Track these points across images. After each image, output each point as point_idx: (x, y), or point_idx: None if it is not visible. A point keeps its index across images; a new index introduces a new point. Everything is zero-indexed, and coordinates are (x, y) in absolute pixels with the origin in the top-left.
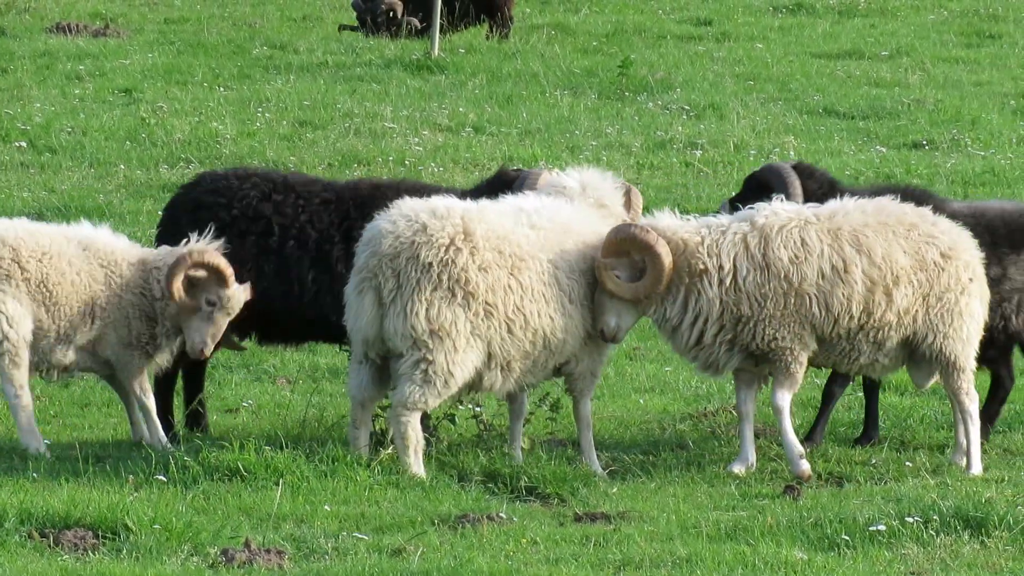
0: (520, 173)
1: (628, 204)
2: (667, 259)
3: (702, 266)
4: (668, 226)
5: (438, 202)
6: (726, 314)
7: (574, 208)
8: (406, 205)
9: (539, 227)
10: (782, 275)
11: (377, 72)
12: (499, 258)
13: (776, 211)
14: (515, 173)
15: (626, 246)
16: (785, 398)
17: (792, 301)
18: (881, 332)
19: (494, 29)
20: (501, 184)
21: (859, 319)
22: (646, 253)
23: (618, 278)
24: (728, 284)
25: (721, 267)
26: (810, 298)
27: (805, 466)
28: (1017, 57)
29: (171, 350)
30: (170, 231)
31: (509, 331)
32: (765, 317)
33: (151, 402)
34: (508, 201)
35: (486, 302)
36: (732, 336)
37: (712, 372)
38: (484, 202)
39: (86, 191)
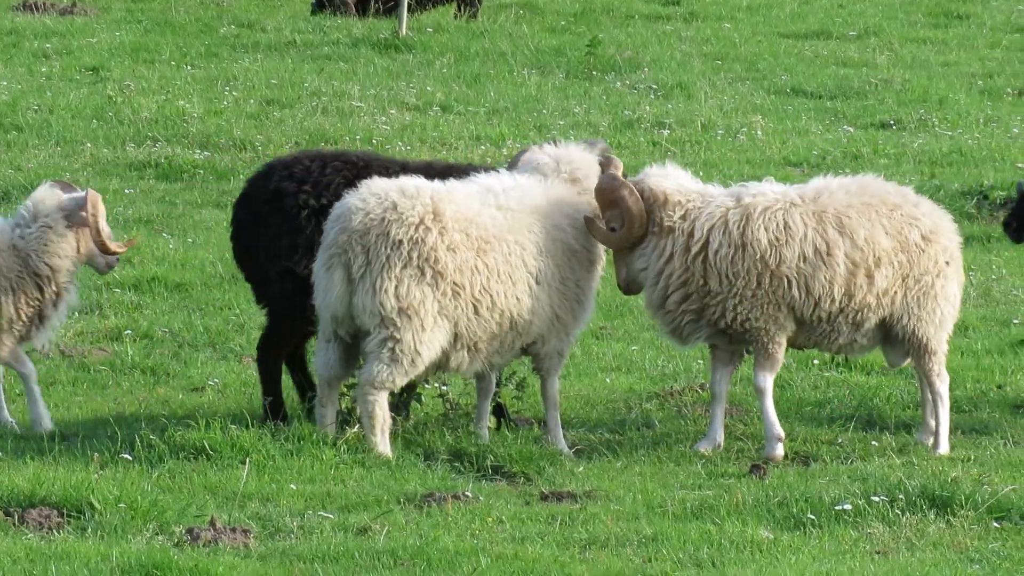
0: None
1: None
2: (633, 203)
3: (668, 224)
4: (655, 175)
5: (407, 181)
6: (691, 284)
7: (545, 187)
8: (375, 184)
9: (506, 208)
10: (758, 255)
11: (345, 51)
12: (466, 240)
13: (764, 191)
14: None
15: (601, 196)
16: (767, 379)
17: (767, 282)
18: (860, 314)
19: (462, 8)
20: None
21: (840, 302)
22: (612, 200)
23: (613, 230)
24: (695, 253)
25: (691, 234)
26: (789, 280)
27: (780, 450)
28: (984, 38)
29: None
30: (249, 226)
31: (476, 312)
32: (735, 295)
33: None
34: (478, 181)
35: (454, 282)
36: (698, 307)
37: (677, 339)
38: (452, 183)
39: (52, 169)
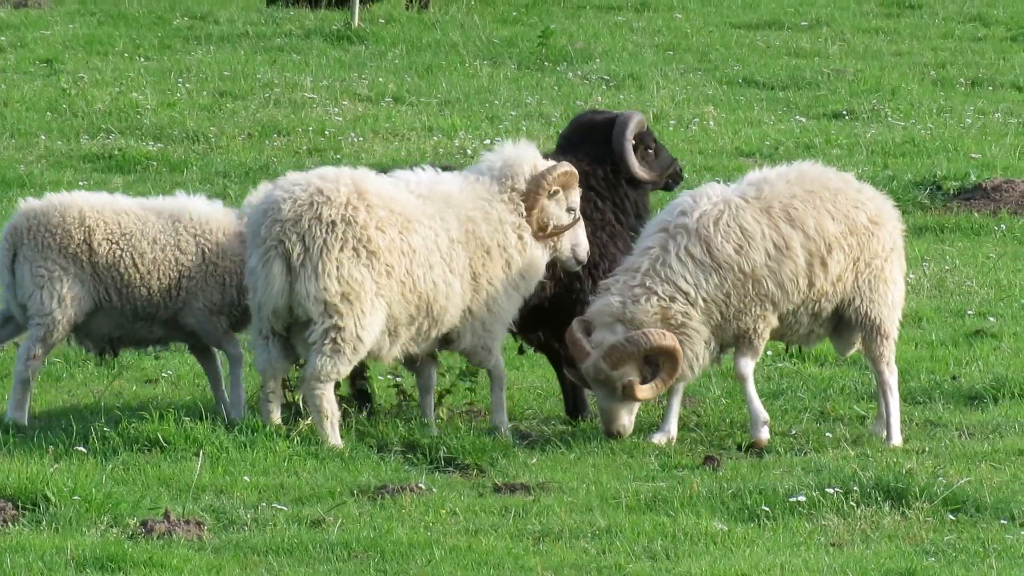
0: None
1: (536, 189)
2: (679, 348)
3: (681, 317)
4: (631, 307)
5: (325, 169)
6: (712, 322)
7: (461, 181)
8: (292, 175)
9: (420, 195)
10: (736, 268)
11: (297, 42)
12: (391, 216)
13: (704, 210)
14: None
15: (645, 355)
16: (749, 366)
17: (750, 288)
18: (818, 304)
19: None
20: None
21: (803, 292)
22: (667, 354)
23: (632, 382)
24: (699, 303)
25: (686, 294)
26: (765, 280)
27: (766, 433)
28: (937, 27)
29: None
30: None
31: (401, 294)
32: (731, 312)
33: None
34: (391, 173)
35: (386, 262)
36: (715, 341)
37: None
38: (362, 169)
39: (7, 162)
